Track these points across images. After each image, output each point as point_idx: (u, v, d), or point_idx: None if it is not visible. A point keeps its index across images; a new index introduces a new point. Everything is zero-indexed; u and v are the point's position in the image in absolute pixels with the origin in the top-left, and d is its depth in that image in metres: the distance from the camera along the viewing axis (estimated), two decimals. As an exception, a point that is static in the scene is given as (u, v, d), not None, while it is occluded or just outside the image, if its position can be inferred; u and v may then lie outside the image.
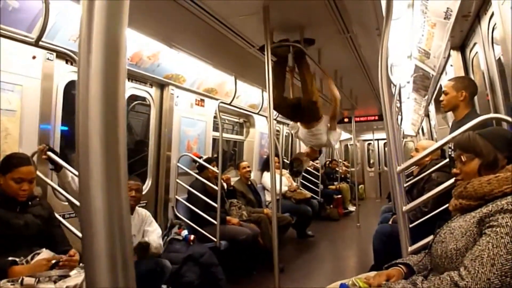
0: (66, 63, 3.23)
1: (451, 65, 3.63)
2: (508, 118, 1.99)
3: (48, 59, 3.00)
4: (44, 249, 2.22)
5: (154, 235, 3.23)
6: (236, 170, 6.12)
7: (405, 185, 3.01)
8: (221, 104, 4.94)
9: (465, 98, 2.70)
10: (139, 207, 3.36)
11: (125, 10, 0.50)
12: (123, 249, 0.43)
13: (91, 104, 0.44)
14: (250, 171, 5.81)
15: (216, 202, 4.17)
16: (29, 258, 2.13)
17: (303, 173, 8.24)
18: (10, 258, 2.06)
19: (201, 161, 4.60)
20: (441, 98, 2.88)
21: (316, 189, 8.19)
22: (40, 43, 2.67)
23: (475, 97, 3.29)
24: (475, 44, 3.07)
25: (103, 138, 0.44)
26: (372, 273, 1.85)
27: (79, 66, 0.48)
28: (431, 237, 1.82)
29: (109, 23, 0.48)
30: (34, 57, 2.90)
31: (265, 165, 6.74)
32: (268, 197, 6.34)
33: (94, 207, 0.42)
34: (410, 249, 2.19)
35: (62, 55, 3.03)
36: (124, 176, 0.45)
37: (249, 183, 5.77)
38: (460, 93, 2.71)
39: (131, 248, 0.46)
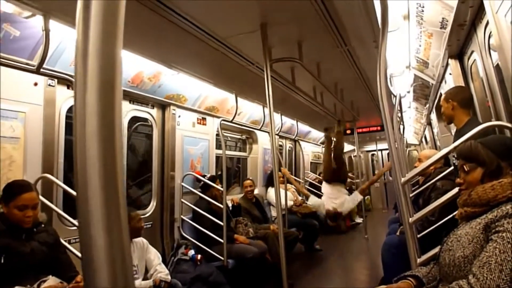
0: (68, 88, 3.27)
1: (450, 74, 3.63)
2: (510, 125, 1.98)
3: (49, 85, 3.04)
4: (50, 276, 2.20)
5: (156, 260, 3.24)
6: (240, 187, 6.12)
7: (411, 195, 2.98)
8: (223, 122, 4.96)
9: (455, 106, 2.70)
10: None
11: (120, 31, 0.51)
12: (125, 279, 0.43)
13: (88, 135, 0.45)
14: (252, 190, 5.80)
15: (221, 221, 4.15)
16: (35, 286, 2.11)
17: (308, 187, 8.23)
18: (16, 287, 2.05)
19: (205, 180, 4.59)
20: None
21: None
22: (41, 70, 2.71)
23: (476, 104, 3.29)
24: (472, 52, 3.08)
25: (101, 167, 0.45)
26: (382, 287, 1.83)
27: (75, 94, 0.49)
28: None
29: (104, 47, 0.49)
30: (35, 84, 2.94)
31: (269, 181, 6.72)
32: (274, 212, 6.31)
33: (94, 239, 0.43)
34: (419, 260, 2.16)
35: (63, 81, 3.07)
36: (123, 205, 0.46)
37: (253, 200, 5.76)
38: (450, 103, 2.72)
39: (132, 278, 0.46)
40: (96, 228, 0.43)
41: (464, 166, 1.69)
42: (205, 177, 4.65)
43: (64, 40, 2.80)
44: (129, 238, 0.46)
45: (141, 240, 3.26)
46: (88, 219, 0.44)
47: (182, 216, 4.51)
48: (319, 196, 7.78)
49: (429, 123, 7.57)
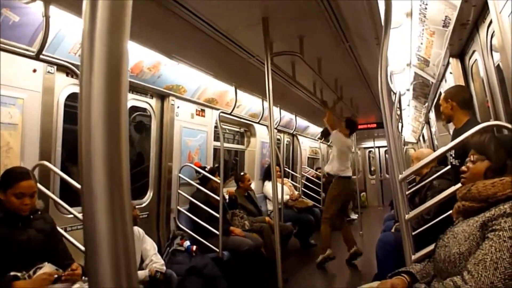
0: (67, 75, 3.24)
1: (451, 73, 3.63)
2: (509, 125, 1.99)
3: (48, 72, 3.01)
4: (46, 263, 2.20)
5: (152, 251, 3.25)
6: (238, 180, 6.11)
7: (407, 192, 3.00)
8: (221, 114, 4.95)
9: (454, 106, 2.70)
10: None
11: (127, 21, 0.51)
12: (128, 271, 0.43)
13: (93, 125, 0.45)
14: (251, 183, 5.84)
15: (218, 213, 4.15)
16: (31, 272, 2.11)
17: (305, 182, 8.24)
18: (11, 273, 2.04)
19: (205, 172, 4.57)
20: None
21: (318, 197, 8.15)
22: (41, 56, 2.69)
23: (476, 105, 3.30)
24: (474, 51, 3.08)
25: (106, 158, 0.44)
26: (376, 283, 1.84)
27: (81, 84, 0.49)
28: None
29: (111, 38, 0.49)
30: (34, 71, 2.91)
31: (266, 175, 6.72)
32: (270, 206, 6.32)
33: (98, 231, 0.43)
34: (413, 257, 2.17)
35: (63, 68, 3.05)
36: (127, 197, 0.46)
37: (246, 194, 5.75)
38: (449, 103, 2.72)
39: (136, 270, 0.46)
40: (100, 216, 0.43)
41: (472, 156, 1.70)
42: (206, 169, 4.64)
43: (64, 27, 2.77)
44: (132, 227, 0.46)
45: (137, 230, 3.25)
46: (92, 208, 0.44)
47: (178, 207, 4.51)
48: (315, 199, 7.83)
49: (427, 122, 7.59)
